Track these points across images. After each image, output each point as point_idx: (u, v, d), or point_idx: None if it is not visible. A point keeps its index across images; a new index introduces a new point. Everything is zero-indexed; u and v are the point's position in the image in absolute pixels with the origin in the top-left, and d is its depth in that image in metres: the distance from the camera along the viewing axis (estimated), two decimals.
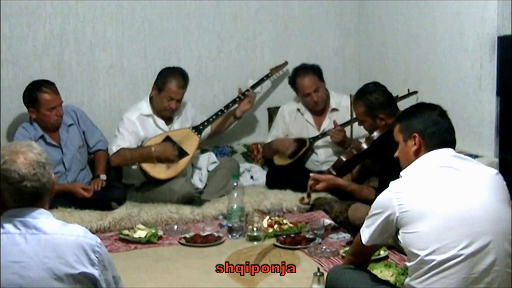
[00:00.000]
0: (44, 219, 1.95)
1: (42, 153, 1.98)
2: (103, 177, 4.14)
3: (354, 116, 4.18)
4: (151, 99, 4.27)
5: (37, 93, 3.98)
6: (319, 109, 4.57)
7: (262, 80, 4.70)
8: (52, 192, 2.01)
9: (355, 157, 3.77)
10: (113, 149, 4.18)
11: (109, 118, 4.58)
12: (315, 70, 4.53)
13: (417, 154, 2.37)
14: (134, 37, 4.64)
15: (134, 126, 4.21)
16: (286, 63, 4.83)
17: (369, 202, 3.33)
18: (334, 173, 3.70)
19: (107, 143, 4.33)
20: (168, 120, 4.32)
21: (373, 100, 3.52)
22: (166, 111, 4.25)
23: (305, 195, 3.64)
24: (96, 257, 1.95)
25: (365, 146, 3.71)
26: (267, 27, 4.93)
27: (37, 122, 4.03)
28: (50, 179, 1.98)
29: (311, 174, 3.66)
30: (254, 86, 4.62)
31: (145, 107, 4.26)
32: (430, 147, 2.35)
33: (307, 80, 4.48)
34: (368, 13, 4.96)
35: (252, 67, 4.90)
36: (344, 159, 3.75)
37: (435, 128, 2.36)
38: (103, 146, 4.31)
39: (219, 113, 4.51)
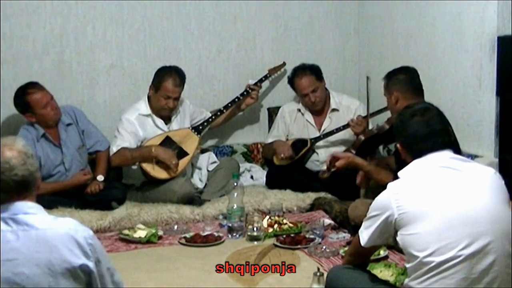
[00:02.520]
0: (35, 214, 1.95)
1: (26, 145, 2.01)
2: (100, 178, 4.14)
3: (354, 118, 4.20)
4: (149, 98, 4.28)
5: (25, 97, 4.01)
6: (317, 109, 4.57)
7: (260, 81, 4.71)
8: (38, 185, 2.02)
9: (374, 137, 3.73)
10: (113, 149, 4.19)
11: (109, 118, 4.59)
12: (313, 70, 4.51)
13: (408, 159, 2.37)
14: (134, 37, 4.64)
15: (133, 126, 4.21)
16: (284, 64, 4.84)
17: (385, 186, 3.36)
18: (354, 152, 3.69)
19: (107, 143, 4.33)
20: (167, 119, 4.33)
21: (393, 76, 3.51)
22: (164, 110, 4.25)
23: (325, 170, 3.68)
24: (90, 249, 1.95)
25: (387, 126, 3.66)
26: (267, 27, 4.93)
27: (38, 123, 4.05)
28: (37, 169, 2.00)
29: (332, 153, 3.67)
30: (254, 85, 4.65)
31: (144, 107, 4.27)
32: (414, 155, 2.33)
33: (304, 80, 4.48)
34: (368, 13, 4.96)
35: (252, 67, 4.90)
36: (363, 137, 3.73)
37: (413, 139, 2.34)
38: (102, 147, 4.30)
39: (219, 113, 4.53)
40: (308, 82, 4.47)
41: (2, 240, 1.89)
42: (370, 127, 4.11)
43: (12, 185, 1.93)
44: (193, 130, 4.37)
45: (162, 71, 4.25)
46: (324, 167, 4.36)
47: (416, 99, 3.35)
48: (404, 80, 3.49)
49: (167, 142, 4.24)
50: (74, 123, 4.22)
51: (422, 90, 3.50)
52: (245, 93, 4.61)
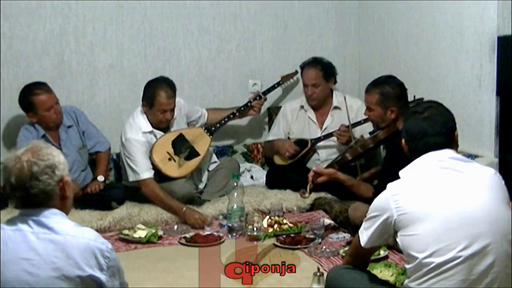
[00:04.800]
0: (57, 219, 1.97)
1: (51, 154, 2.01)
2: (101, 178, 4.14)
3: (357, 120, 4.21)
4: (146, 114, 4.17)
5: (31, 97, 4.00)
6: (312, 105, 4.58)
7: (273, 87, 4.73)
8: (64, 195, 2.02)
9: (360, 154, 3.80)
10: (143, 176, 4.03)
11: (109, 118, 4.59)
12: (324, 68, 4.53)
13: (412, 157, 2.38)
14: (134, 37, 4.63)
15: (143, 144, 4.11)
16: (296, 72, 4.83)
17: (366, 199, 3.37)
18: (337, 167, 3.71)
19: (107, 144, 4.35)
20: (166, 129, 4.26)
21: (389, 90, 3.49)
22: (162, 123, 4.16)
23: (306, 189, 3.63)
24: (106, 262, 1.96)
25: (371, 144, 3.73)
26: (267, 27, 4.93)
27: (39, 123, 4.06)
28: (61, 178, 2.00)
29: (313, 168, 3.67)
30: (265, 93, 4.67)
31: (144, 123, 4.15)
32: (412, 152, 2.36)
33: (311, 72, 4.50)
34: (368, 13, 4.96)
35: (252, 67, 4.91)
36: (350, 157, 3.78)
37: (411, 135, 2.36)
38: (103, 148, 4.32)
39: (231, 115, 4.52)
40: (313, 75, 4.49)
41: (22, 239, 1.92)
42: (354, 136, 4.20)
43: (36, 194, 1.95)
44: (205, 131, 4.37)
45: (151, 85, 4.13)
46: (325, 165, 4.38)
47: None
48: (400, 95, 3.53)
49: (180, 139, 4.20)
50: (74, 124, 4.22)
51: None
52: (249, 104, 4.59)
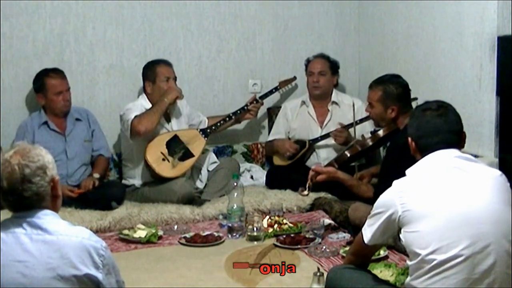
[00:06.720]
0: (49, 219, 1.96)
1: (40, 155, 1.97)
2: (96, 175, 4.18)
3: (357, 119, 4.22)
4: (148, 96, 4.28)
5: (44, 78, 4.14)
6: (316, 95, 4.60)
7: (270, 92, 4.74)
8: (55, 194, 2.01)
9: (359, 153, 3.80)
10: (131, 118, 4.12)
11: (109, 118, 4.59)
12: (331, 62, 4.66)
13: (417, 156, 2.37)
14: (134, 37, 4.64)
15: (140, 110, 4.20)
16: (294, 78, 4.84)
17: (367, 199, 3.37)
18: (336, 166, 3.72)
19: (109, 152, 4.42)
20: (166, 116, 4.32)
21: (392, 89, 3.47)
22: None
23: (306, 186, 3.64)
24: (101, 260, 1.95)
25: (370, 142, 3.73)
26: (267, 27, 4.93)
27: (46, 108, 4.15)
28: (52, 179, 1.98)
29: (312, 167, 3.68)
30: (262, 97, 4.68)
31: (145, 103, 4.26)
32: (422, 150, 2.35)
33: (318, 61, 4.63)
34: (368, 13, 4.96)
35: (252, 67, 4.91)
36: (348, 154, 3.79)
37: (423, 132, 2.35)
38: (105, 154, 4.37)
39: (227, 119, 4.54)
40: (321, 63, 4.61)
41: (15, 241, 1.91)
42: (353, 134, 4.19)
43: (29, 197, 1.93)
44: (200, 132, 4.39)
45: (149, 63, 4.35)
46: (326, 163, 4.39)
47: (411, 109, 3.37)
48: (403, 95, 3.51)
49: (175, 140, 4.24)
50: (85, 121, 4.32)
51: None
52: (245, 107, 4.60)
